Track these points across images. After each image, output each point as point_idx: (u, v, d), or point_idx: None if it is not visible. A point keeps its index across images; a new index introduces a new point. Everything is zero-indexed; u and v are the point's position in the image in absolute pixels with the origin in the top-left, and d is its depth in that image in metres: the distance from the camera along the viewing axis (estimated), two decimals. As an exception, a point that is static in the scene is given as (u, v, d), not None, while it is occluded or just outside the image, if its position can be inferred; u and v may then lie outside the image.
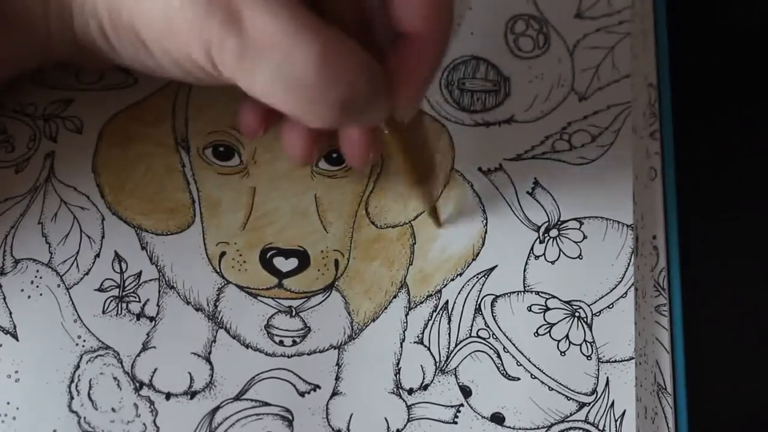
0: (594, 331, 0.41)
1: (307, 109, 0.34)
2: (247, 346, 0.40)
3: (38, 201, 0.41)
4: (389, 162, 0.43)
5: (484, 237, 0.42)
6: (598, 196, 0.43)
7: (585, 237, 0.42)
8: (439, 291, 0.41)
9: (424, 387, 0.40)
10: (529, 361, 0.40)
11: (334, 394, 0.40)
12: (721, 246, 0.45)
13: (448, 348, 0.41)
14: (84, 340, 0.39)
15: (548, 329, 0.41)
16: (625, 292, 0.42)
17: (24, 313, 0.39)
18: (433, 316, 0.41)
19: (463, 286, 0.41)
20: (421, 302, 0.41)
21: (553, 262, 0.42)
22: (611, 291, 0.42)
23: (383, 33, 0.37)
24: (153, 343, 0.39)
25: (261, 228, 0.41)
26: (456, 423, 0.39)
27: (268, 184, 0.42)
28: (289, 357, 0.40)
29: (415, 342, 0.41)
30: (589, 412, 0.40)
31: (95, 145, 0.42)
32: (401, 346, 0.40)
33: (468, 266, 0.42)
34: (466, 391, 0.40)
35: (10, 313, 0.39)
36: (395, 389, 0.40)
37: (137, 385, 0.39)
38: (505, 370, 0.40)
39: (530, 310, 0.41)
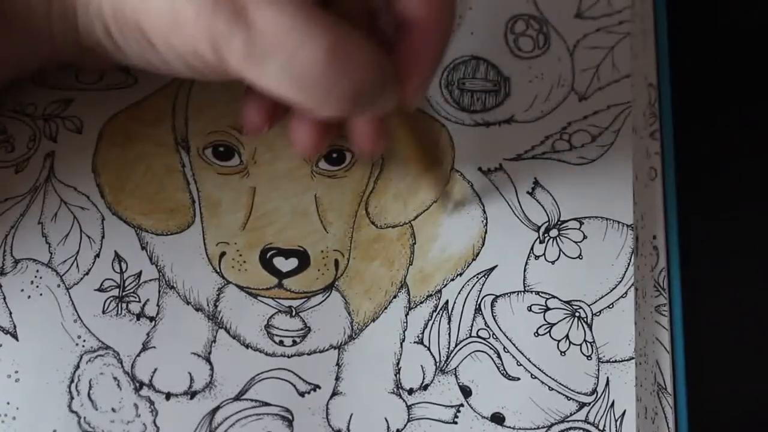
0: (594, 331, 0.41)
1: (316, 101, 0.34)
2: (247, 346, 0.40)
3: (38, 201, 0.41)
4: (389, 162, 0.43)
5: (484, 237, 0.42)
6: (598, 196, 0.43)
7: (585, 237, 0.42)
8: (439, 291, 0.41)
9: (424, 387, 0.40)
10: (529, 361, 0.40)
11: (334, 394, 0.40)
12: (721, 246, 0.45)
13: (448, 348, 0.40)
14: (84, 340, 0.39)
15: (548, 329, 0.41)
16: (625, 292, 0.41)
17: (24, 313, 0.39)
18: (433, 316, 0.41)
19: (463, 286, 0.41)
20: (421, 302, 0.41)
21: (553, 262, 0.42)
22: (611, 291, 0.41)
23: (388, 22, 0.37)
24: (153, 343, 0.39)
25: (261, 228, 0.41)
26: (456, 423, 0.39)
27: (268, 184, 0.42)
28: (289, 357, 0.40)
29: (415, 342, 0.41)
30: (589, 412, 0.40)
31: (95, 145, 0.42)
32: (401, 346, 0.40)
33: (468, 266, 0.42)
34: (466, 391, 0.40)
35: (10, 313, 0.39)
36: (395, 389, 0.40)
37: (137, 385, 0.39)
38: (505, 370, 0.40)
39: (530, 310, 0.41)
